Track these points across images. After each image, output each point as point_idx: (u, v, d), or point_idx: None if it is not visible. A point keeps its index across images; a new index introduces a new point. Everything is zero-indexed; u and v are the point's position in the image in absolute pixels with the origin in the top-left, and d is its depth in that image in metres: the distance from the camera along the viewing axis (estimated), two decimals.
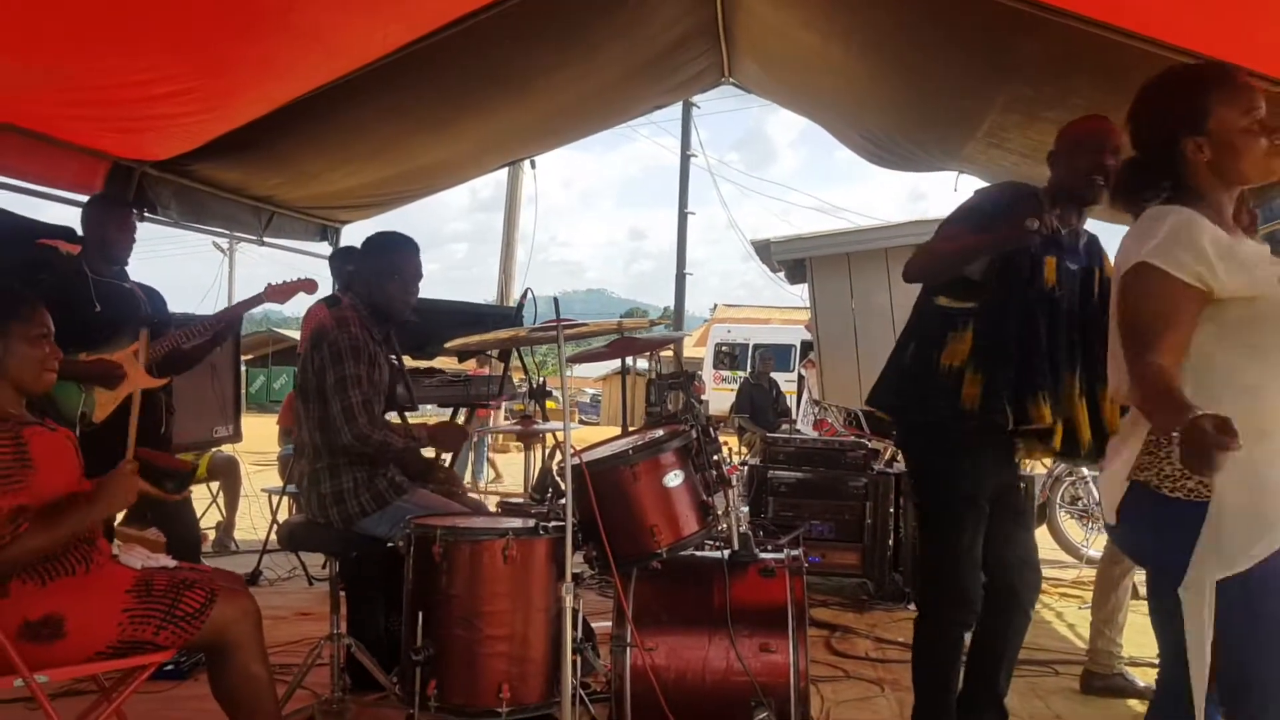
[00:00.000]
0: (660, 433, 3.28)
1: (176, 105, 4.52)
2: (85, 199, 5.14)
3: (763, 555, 3.23)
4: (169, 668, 3.50)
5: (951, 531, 2.95)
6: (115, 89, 4.22)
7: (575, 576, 2.86)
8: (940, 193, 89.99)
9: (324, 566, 5.30)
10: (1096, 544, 6.53)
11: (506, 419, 10.47)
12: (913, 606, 5.45)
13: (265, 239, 6.85)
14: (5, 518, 2.34)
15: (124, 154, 5.16)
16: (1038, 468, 7.78)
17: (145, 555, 2.70)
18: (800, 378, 11.80)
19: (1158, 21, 3.64)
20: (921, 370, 2.98)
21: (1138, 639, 4.53)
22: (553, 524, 3.00)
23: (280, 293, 4.51)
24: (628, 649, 3.04)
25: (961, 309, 2.95)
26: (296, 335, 20.34)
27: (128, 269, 4.42)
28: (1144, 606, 2.19)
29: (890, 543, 5.66)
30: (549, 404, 4.83)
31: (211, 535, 6.82)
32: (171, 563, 2.72)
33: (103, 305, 4.15)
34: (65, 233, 5.01)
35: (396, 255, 3.73)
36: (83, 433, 3.79)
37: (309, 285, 4.60)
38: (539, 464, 4.97)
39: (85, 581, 2.54)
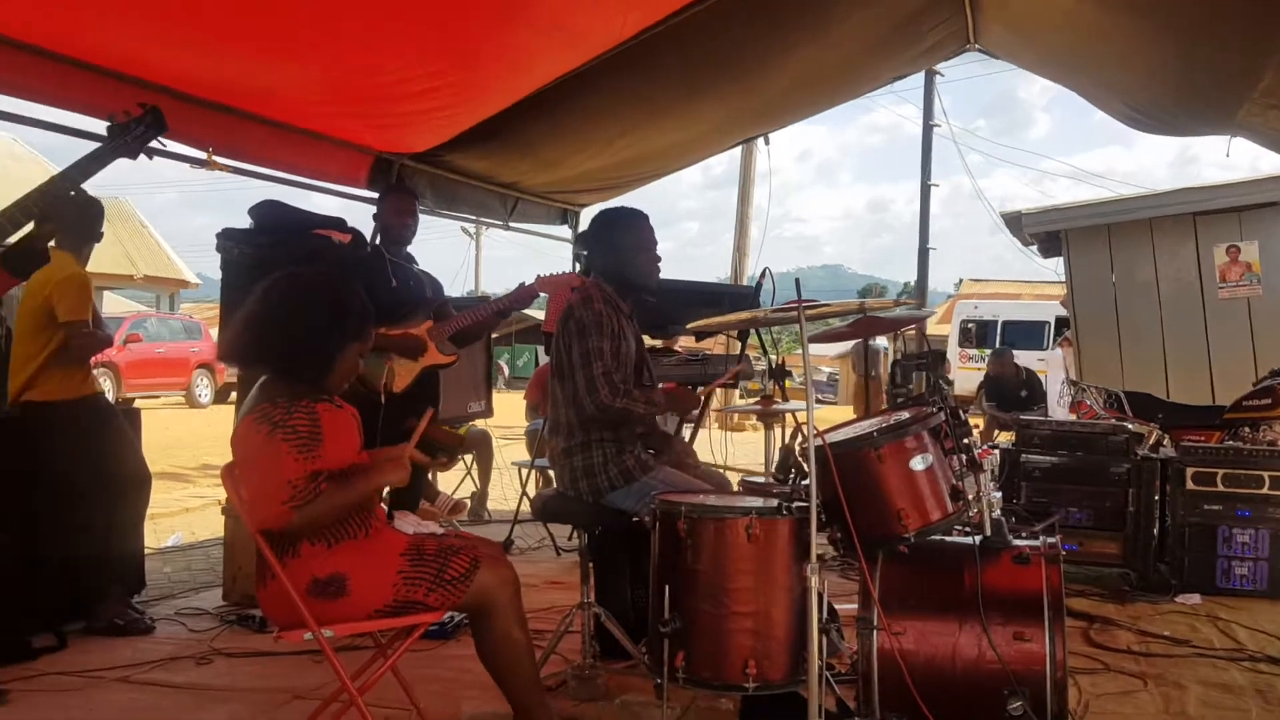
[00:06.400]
0: (906, 414, 3.20)
1: (433, 100, 4.81)
2: (352, 190, 5.60)
3: (1016, 542, 3.10)
4: (434, 628, 3.74)
5: None
6: (384, 86, 4.53)
7: (818, 557, 2.84)
8: (1214, 156, 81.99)
9: (570, 538, 5.51)
10: None
11: (742, 399, 10.49)
12: (1180, 599, 5.09)
13: (510, 223, 7.19)
14: (308, 478, 2.58)
15: (385, 148, 5.54)
16: None
17: (416, 522, 2.90)
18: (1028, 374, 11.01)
19: None
20: None
21: None
22: (795, 504, 2.98)
23: (549, 283, 4.61)
24: (874, 631, 2.98)
25: None
26: (539, 315, 21.15)
27: (412, 254, 4.79)
28: None
29: (1155, 532, 5.29)
30: (785, 383, 4.81)
31: (468, 505, 7.22)
32: (440, 529, 2.90)
33: (398, 283, 4.51)
34: (336, 223, 5.44)
35: (637, 227, 3.84)
36: (386, 402, 4.11)
37: (574, 279, 4.58)
38: (778, 444, 4.95)
39: (366, 544, 2.74)
